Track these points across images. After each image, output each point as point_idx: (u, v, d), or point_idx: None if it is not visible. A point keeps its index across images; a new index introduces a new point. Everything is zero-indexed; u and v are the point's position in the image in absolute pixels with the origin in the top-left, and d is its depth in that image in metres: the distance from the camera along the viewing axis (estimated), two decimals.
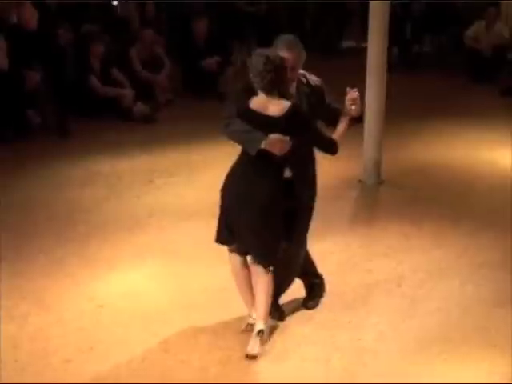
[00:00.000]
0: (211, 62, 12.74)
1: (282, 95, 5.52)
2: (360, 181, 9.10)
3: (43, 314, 6.17)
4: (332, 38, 15.90)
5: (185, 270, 6.88)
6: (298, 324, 6.05)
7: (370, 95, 8.92)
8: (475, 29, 14.41)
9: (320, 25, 15.95)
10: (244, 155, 5.60)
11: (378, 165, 9.07)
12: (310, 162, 6.02)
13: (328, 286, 6.53)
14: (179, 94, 12.74)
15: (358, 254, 7.31)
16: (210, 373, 5.45)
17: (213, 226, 6.40)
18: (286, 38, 5.78)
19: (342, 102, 5.83)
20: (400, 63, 14.03)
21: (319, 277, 6.42)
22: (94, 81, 11.54)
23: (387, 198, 8.89)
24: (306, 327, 6.01)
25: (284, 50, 5.63)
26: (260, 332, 5.64)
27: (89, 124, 10.95)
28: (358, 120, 6.04)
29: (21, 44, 10.75)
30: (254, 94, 5.52)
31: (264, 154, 5.44)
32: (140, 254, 7.22)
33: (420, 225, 7.93)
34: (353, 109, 5.83)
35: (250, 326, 5.79)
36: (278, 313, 6.05)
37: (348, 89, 5.85)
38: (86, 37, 11.93)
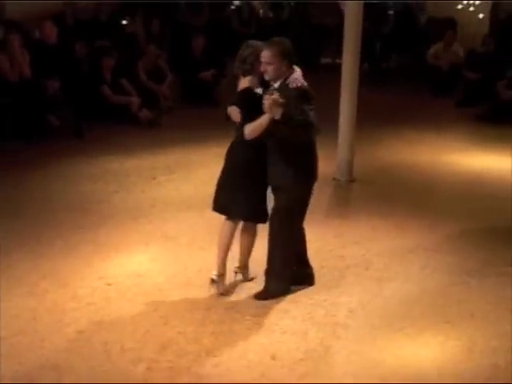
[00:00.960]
0: (207, 74, 12.71)
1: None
2: (334, 178, 9.10)
3: (60, 291, 6.17)
4: (312, 55, 15.88)
5: (183, 254, 6.88)
6: (279, 301, 6.05)
7: (344, 105, 8.96)
8: (436, 48, 14.43)
9: (301, 43, 15.94)
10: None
11: (350, 165, 9.08)
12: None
13: None
14: (179, 102, 12.72)
15: (332, 242, 7.32)
16: (203, 343, 5.46)
17: (207, 215, 6.46)
18: (276, 38, 5.82)
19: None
20: (370, 77, 14.01)
21: (311, 267, 6.40)
22: (106, 90, 11.53)
23: (358, 194, 8.90)
24: (287, 304, 6.02)
25: (264, 45, 5.70)
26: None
27: (101, 127, 10.92)
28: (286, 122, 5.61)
29: (42, 56, 10.75)
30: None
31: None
32: (144, 240, 7.22)
33: (386, 218, 7.94)
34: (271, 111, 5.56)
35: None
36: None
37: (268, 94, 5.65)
38: (98, 51, 11.91)
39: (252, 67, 5.79)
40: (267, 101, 5.51)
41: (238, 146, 5.93)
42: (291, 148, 5.76)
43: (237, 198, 5.93)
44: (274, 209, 5.94)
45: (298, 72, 5.88)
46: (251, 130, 5.70)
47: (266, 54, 5.73)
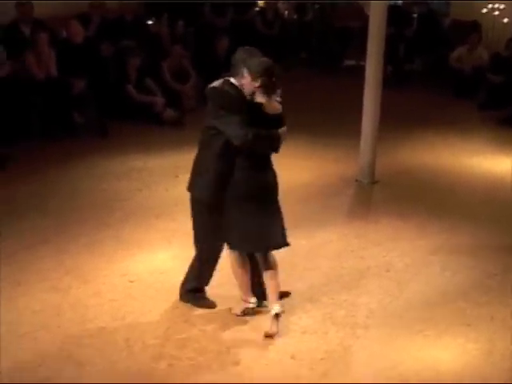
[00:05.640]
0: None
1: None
2: (357, 180, 9.08)
3: (82, 287, 6.21)
4: (335, 57, 15.86)
5: None
6: (300, 301, 6.06)
7: (367, 107, 8.92)
8: (459, 51, 14.35)
9: (325, 45, 15.93)
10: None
11: (372, 166, 9.06)
12: None
13: (327, 270, 6.56)
14: (202, 102, 12.69)
15: (354, 243, 7.31)
16: (224, 341, 5.47)
17: None
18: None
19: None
20: (393, 79, 13.96)
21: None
22: (131, 89, 11.55)
23: (380, 195, 8.88)
24: (307, 304, 6.02)
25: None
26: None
27: (125, 126, 10.95)
28: None
29: (68, 55, 10.78)
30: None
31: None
32: (167, 238, 7.24)
33: (407, 219, 7.91)
34: None
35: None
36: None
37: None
38: (124, 51, 11.93)
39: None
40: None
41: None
42: None
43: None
44: None
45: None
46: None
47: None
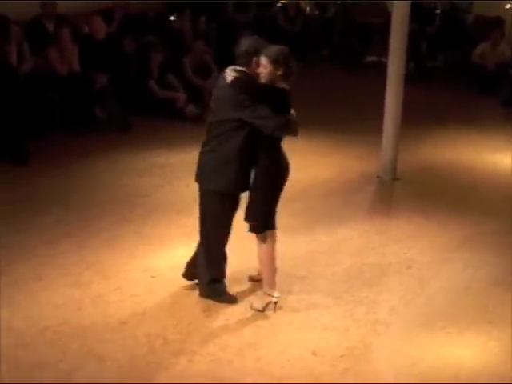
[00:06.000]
0: None
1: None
2: (378, 177, 9.04)
3: (104, 282, 6.22)
4: (357, 53, 15.80)
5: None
6: (321, 298, 6.05)
7: (389, 103, 8.89)
8: (482, 47, 14.27)
9: (346, 41, 15.88)
10: None
11: (394, 163, 9.02)
12: None
13: (348, 267, 6.55)
14: None
15: (375, 239, 7.28)
16: (244, 337, 5.47)
17: None
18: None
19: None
20: (416, 76, 13.89)
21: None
22: (153, 84, 11.56)
23: (401, 192, 8.84)
24: (329, 300, 6.01)
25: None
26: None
27: (147, 121, 10.96)
28: None
29: (91, 51, 10.81)
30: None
31: None
32: (187, 234, 7.21)
33: (429, 216, 7.88)
34: None
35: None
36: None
37: None
38: (146, 46, 11.94)
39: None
40: None
41: None
42: None
43: None
44: None
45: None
46: None
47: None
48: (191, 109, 11.47)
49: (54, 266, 6.45)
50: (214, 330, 5.55)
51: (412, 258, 6.86)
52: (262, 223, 5.73)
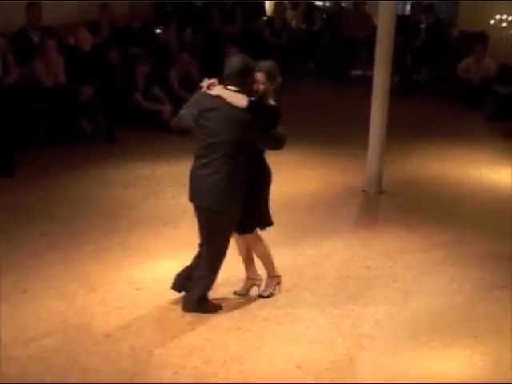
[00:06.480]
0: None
1: None
2: (363, 190, 9.06)
3: (89, 295, 6.20)
4: (342, 66, 15.85)
5: None
6: (306, 311, 6.05)
7: (375, 117, 8.91)
8: (466, 62, 14.35)
9: (332, 54, 15.93)
10: None
11: (379, 177, 9.04)
12: None
13: (334, 280, 6.55)
14: None
15: (360, 252, 7.29)
16: (229, 350, 5.45)
17: None
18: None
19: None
20: (401, 90, 13.95)
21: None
22: (138, 97, 11.56)
23: (386, 205, 8.86)
24: (314, 314, 6.00)
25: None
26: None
27: (132, 134, 10.96)
28: None
29: (77, 62, 10.79)
30: None
31: None
32: (173, 246, 7.23)
33: (414, 230, 7.90)
34: None
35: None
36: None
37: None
38: (132, 58, 11.95)
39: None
40: None
41: None
42: None
43: None
44: None
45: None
46: None
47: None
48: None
49: (39, 277, 6.42)
50: (198, 343, 5.53)
51: (397, 272, 6.87)
52: (257, 223, 6.01)
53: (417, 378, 5.22)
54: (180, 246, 7.21)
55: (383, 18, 8.83)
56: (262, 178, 5.89)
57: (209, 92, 5.72)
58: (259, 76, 5.65)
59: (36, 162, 9.54)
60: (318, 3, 18.13)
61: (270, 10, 16.68)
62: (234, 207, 5.77)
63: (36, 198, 8.35)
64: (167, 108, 11.57)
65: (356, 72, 16.03)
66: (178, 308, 5.99)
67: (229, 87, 5.64)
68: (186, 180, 9.08)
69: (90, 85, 10.74)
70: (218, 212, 5.78)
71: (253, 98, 5.60)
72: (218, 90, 5.67)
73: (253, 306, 6.11)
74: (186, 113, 5.85)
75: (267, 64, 5.76)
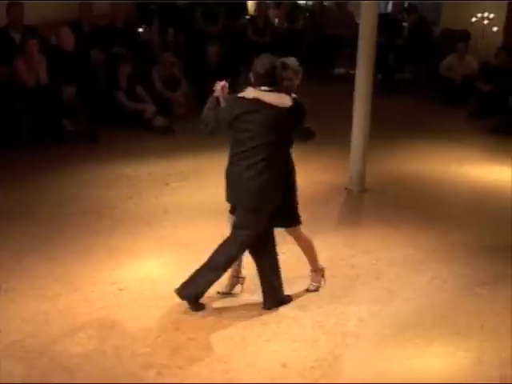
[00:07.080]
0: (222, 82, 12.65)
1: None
2: (346, 188, 9.08)
3: (72, 295, 6.18)
4: (325, 65, 15.88)
5: (194, 260, 6.82)
6: (290, 310, 6.05)
7: (357, 115, 8.92)
8: (449, 60, 14.41)
9: (315, 53, 15.94)
10: None
11: (362, 175, 9.06)
12: None
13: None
14: (194, 109, 12.69)
15: (343, 251, 7.30)
16: (213, 349, 5.45)
17: (219, 222, 6.44)
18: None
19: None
20: (383, 88, 13.99)
21: None
22: (121, 96, 11.54)
23: (369, 203, 8.88)
24: (298, 312, 6.01)
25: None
26: None
27: (115, 133, 10.94)
28: None
29: (59, 62, 10.77)
30: None
31: None
32: (156, 246, 7.22)
33: (397, 227, 7.92)
34: None
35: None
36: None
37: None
38: (115, 58, 11.92)
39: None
40: None
41: None
42: None
43: None
44: None
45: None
46: None
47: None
48: (159, 120, 11.46)
49: (21, 278, 6.39)
50: (182, 342, 5.52)
51: (380, 270, 6.89)
52: (297, 219, 6.18)
53: (401, 375, 5.24)
54: (162, 246, 7.20)
55: (365, 17, 8.85)
56: (294, 173, 6.08)
57: (242, 95, 5.74)
58: (289, 72, 5.75)
59: (18, 161, 9.52)
60: (300, 2, 18.19)
61: (253, 9, 16.69)
62: (276, 205, 5.86)
63: (18, 197, 8.32)
64: (150, 107, 11.56)
65: (339, 70, 16.05)
66: (162, 307, 5.98)
67: (262, 88, 5.66)
68: (169, 179, 9.17)
69: (73, 84, 10.71)
70: (262, 210, 5.83)
71: (294, 96, 5.71)
72: (253, 92, 5.69)
73: (237, 305, 6.10)
74: (222, 117, 5.88)
75: (292, 60, 5.94)
